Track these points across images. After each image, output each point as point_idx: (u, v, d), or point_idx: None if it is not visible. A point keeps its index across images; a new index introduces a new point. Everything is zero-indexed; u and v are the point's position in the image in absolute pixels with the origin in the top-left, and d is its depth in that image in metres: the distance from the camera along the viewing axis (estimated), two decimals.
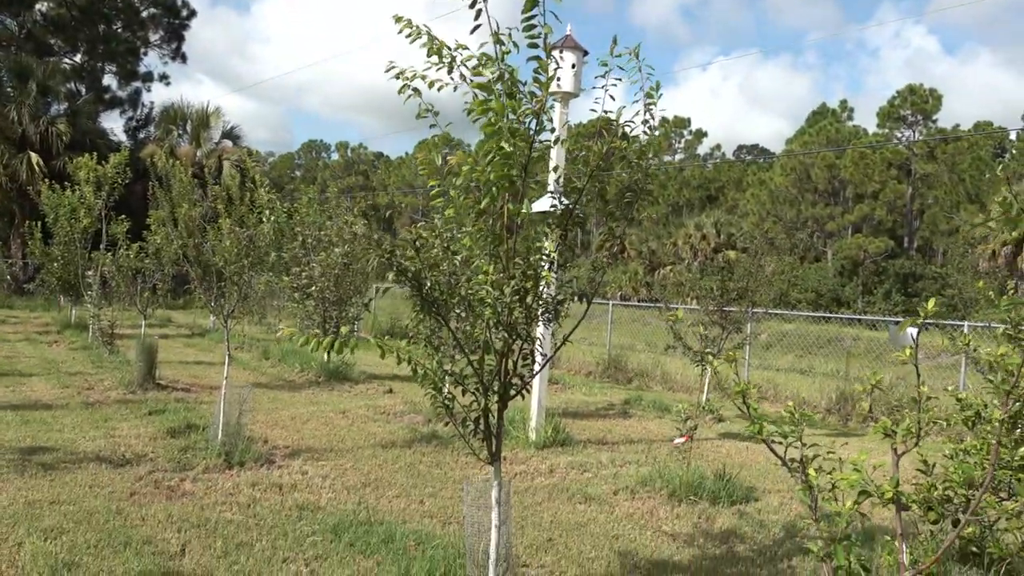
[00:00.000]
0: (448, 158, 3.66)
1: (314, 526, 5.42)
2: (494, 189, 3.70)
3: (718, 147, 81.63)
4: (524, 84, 3.51)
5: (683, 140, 75.48)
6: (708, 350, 8.18)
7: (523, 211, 3.66)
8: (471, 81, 3.67)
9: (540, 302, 3.81)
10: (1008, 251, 39.97)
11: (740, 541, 5.74)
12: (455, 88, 3.61)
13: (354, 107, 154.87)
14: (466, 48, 3.47)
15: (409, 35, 3.57)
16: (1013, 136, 57.12)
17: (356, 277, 13.98)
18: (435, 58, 3.52)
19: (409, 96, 3.76)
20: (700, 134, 76.23)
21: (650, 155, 4.01)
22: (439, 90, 3.65)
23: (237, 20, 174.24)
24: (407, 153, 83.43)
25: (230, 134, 37.44)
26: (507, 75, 3.46)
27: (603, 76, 3.72)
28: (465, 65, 3.53)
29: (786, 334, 22.84)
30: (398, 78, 3.68)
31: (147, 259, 13.90)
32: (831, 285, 48.37)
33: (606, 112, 3.80)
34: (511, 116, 3.59)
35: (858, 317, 25.99)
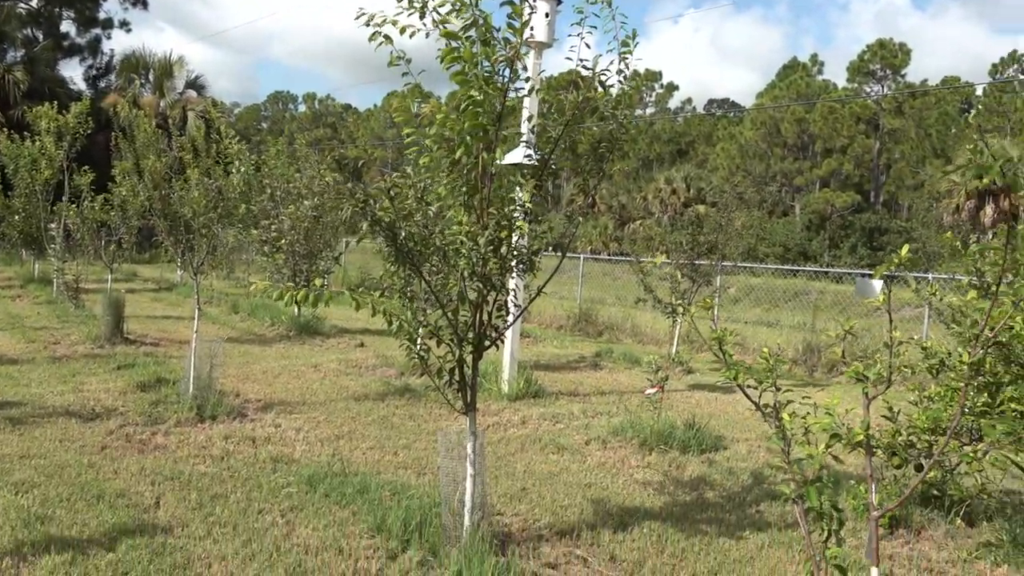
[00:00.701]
0: (422, 107, 3.60)
1: (288, 478, 5.43)
2: (468, 139, 3.67)
3: (689, 101, 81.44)
4: (499, 31, 3.45)
5: (654, 94, 75.12)
6: (679, 302, 8.24)
7: (497, 161, 3.62)
8: (443, 28, 3.61)
9: (514, 253, 3.81)
10: (971, 205, 40.53)
11: (710, 488, 5.86)
12: (427, 35, 3.55)
13: (322, 57, 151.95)
14: None
15: None
16: (980, 91, 57.59)
17: (326, 230, 13.84)
18: (405, 2, 3.45)
19: (380, 44, 3.69)
20: (671, 88, 75.95)
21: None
22: (411, 37, 3.59)
23: None
24: (376, 105, 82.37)
25: (194, 84, 36.64)
26: (481, 21, 3.40)
27: (578, 24, 3.67)
28: (437, 11, 3.47)
29: (754, 288, 23.09)
30: (368, 24, 3.60)
31: (112, 212, 13.64)
32: (798, 239, 48.87)
33: (581, 61, 3.76)
34: (485, 64, 3.54)
35: (824, 270, 26.28)
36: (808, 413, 2.85)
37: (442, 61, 3.51)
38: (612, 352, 13.08)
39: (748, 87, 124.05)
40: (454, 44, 3.49)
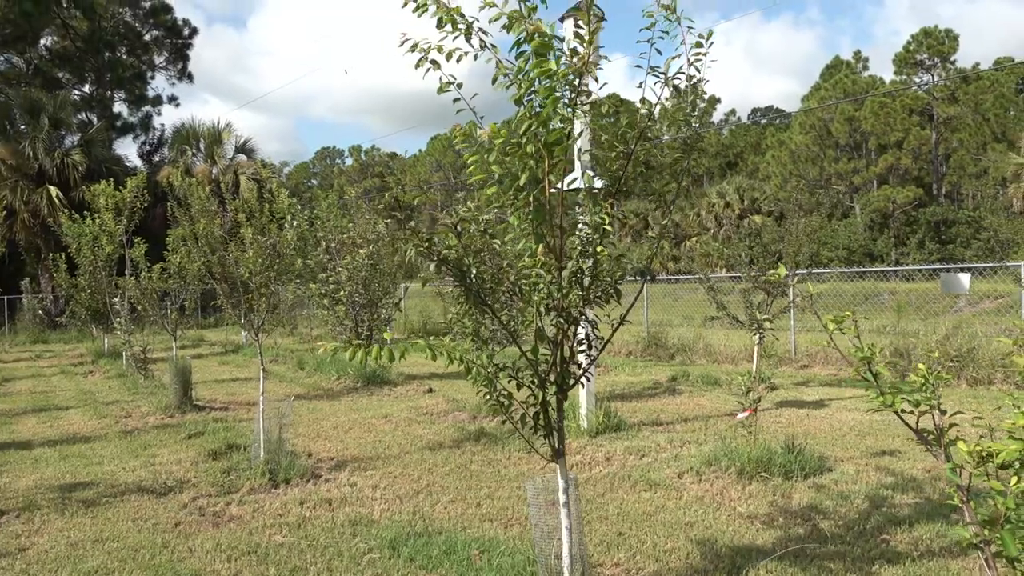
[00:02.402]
0: (480, 133, 3.30)
1: (370, 542, 5.11)
2: (532, 163, 3.35)
3: (732, 112, 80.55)
4: (562, 41, 3.13)
5: (697, 108, 74.42)
6: (766, 317, 7.76)
7: (570, 184, 3.29)
8: (493, 48, 3.31)
9: (598, 282, 3.45)
10: None
11: (823, 517, 5.36)
12: (475, 56, 3.25)
13: (361, 110, 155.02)
14: (494, 4, 3.09)
15: (416, 8, 3.20)
16: None
17: (384, 278, 13.69)
18: (449, 27, 3.16)
19: (428, 71, 3.41)
20: (713, 101, 75.22)
21: (700, 110, 3.64)
22: (458, 61, 3.29)
23: (235, 37, 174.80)
24: (420, 150, 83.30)
25: (243, 148, 37.34)
26: (536, 34, 3.09)
27: (648, 28, 3.34)
28: (484, 31, 3.17)
29: (821, 294, 22.28)
30: (413, 50, 3.32)
31: (170, 279, 13.71)
32: (862, 240, 47.47)
33: (653, 69, 3.42)
34: (544, 81, 3.23)
35: (893, 269, 25.28)
36: (982, 436, 2.41)
37: (494, 82, 3.21)
38: (688, 375, 12.57)
39: (789, 92, 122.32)
40: (505, 62, 3.19)
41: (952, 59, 52.43)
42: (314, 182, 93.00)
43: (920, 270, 24.83)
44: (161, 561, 4.89)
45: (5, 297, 28.06)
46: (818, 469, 6.45)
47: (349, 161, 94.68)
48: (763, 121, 76.66)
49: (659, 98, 3.55)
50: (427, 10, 3.30)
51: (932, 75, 53.02)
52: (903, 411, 2.35)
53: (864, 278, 25.38)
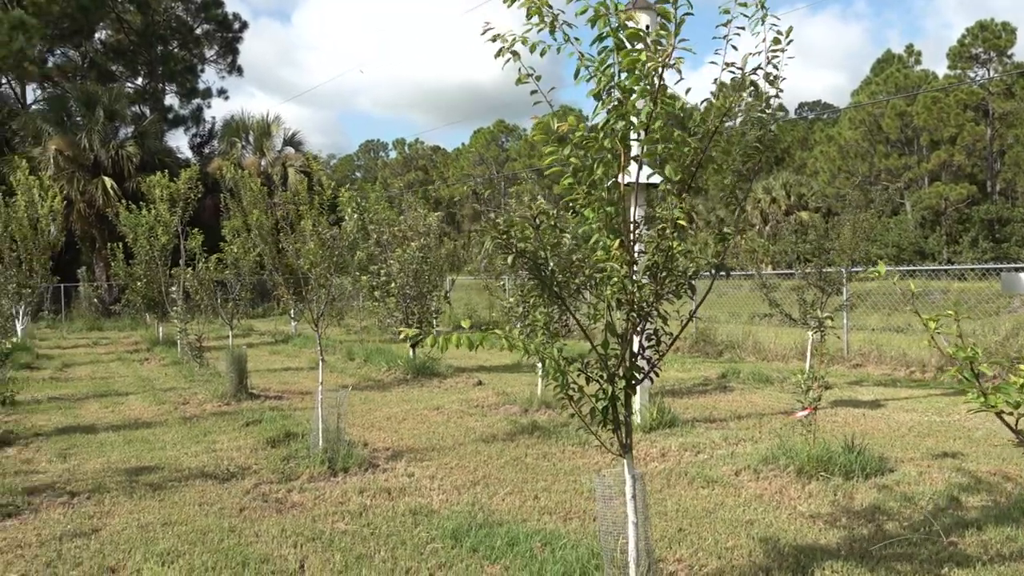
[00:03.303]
0: (559, 126, 3.31)
1: (432, 531, 5.17)
2: (609, 156, 3.36)
3: (780, 107, 79.28)
4: (647, 32, 3.14)
5: (743, 103, 73.44)
6: (827, 315, 7.65)
7: (648, 178, 3.29)
8: (575, 41, 3.32)
9: (671, 277, 3.45)
10: None
11: (888, 518, 5.29)
12: (558, 49, 3.27)
13: (404, 104, 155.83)
14: None
15: None
16: None
17: (433, 270, 13.79)
18: (536, 18, 3.18)
19: (507, 61, 3.44)
20: (769, 98, 74.05)
21: (774, 107, 3.62)
22: (542, 54, 3.31)
23: (280, 30, 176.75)
24: (463, 144, 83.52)
25: (292, 141, 37.81)
26: (620, 27, 3.09)
27: (725, 25, 3.32)
28: (568, 24, 3.19)
29: (869, 292, 21.90)
30: (494, 40, 3.35)
31: (226, 270, 13.97)
32: (912, 238, 46.53)
33: (727, 66, 3.40)
34: (623, 76, 3.24)
35: (946, 268, 24.74)
36: None
37: (576, 75, 3.22)
38: (738, 372, 12.47)
39: (836, 86, 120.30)
40: (586, 54, 3.20)
41: (1009, 53, 51.01)
42: (358, 174, 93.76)
43: (973, 269, 24.27)
44: (230, 545, 5.00)
45: (62, 285, 28.78)
46: (879, 470, 6.36)
47: (393, 154, 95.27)
48: (811, 116, 75.46)
49: (733, 94, 3.53)
50: (516, 0, 3.33)
51: (988, 69, 51.67)
52: (1004, 412, 2.32)
53: (915, 276, 24.86)
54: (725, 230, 3.55)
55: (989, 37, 50.35)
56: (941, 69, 54.66)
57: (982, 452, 7.05)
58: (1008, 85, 50.06)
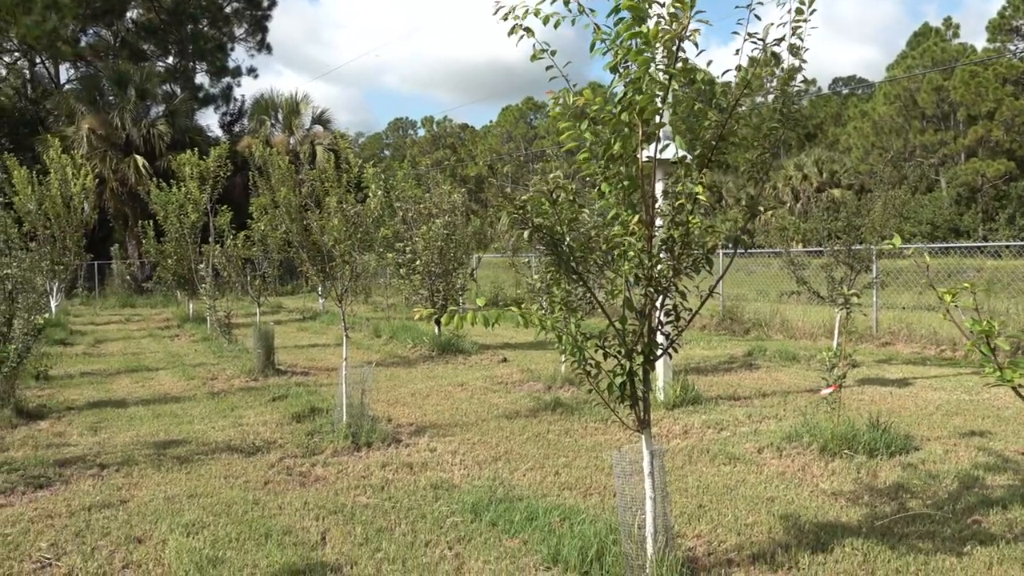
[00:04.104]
0: (575, 99, 3.28)
1: (452, 506, 5.21)
2: (626, 130, 3.32)
3: (812, 82, 77.93)
4: (663, 5, 3.09)
5: (775, 79, 72.33)
6: (854, 292, 7.56)
7: (663, 153, 3.26)
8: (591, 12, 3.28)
9: (688, 252, 3.42)
10: None
11: (911, 496, 5.24)
12: (573, 21, 3.24)
13: (432, 81, 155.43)
14: None
15: None
16: None
17: (458, 248, 13.80)
18: None
19: (521, 38, 3.41)
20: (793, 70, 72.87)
21: (798, 79, 3.56)
22: (556, 27, 3.28)
23: (309, 9, 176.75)
24: (491, 121, 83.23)
25: (320, 119, 37.94)
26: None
27: None
28: None
29: (901, 271, 21.58)
30: (506, 18, 3.32)
31: (254, 247, 14.09)
32: (947, 215, 45.73)
33: (750, 36, 3.34)
34: (637, 44, 3.20)
35: (981, 245, 24.26)
36: None
37: (592, 49, 3.19)
38: (765, 350, 12.37)
39: (871, 61, 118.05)
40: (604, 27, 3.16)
41: None
42: (387, 152, 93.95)
43: (1009, 246, 23.84)
44: (253, 517, 5.08)
45: (96, 263, 29.25)
46: (904, 448, 6.30)
47: (421, 132, 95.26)
48: (844, 91, 74.18)
49: (754, 66, 3.48)
50: None
51: None
52: (1021, 387, 2.28)
53: (949, 254, 24.45)
54: (744, 203, 3.50)
55: None
56: (980, 42, 53.52)
57: (1011, 431, 6.95)
58: None
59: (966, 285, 2.33)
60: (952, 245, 26.74)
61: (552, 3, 3.26)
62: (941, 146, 50.52)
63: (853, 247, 10.41)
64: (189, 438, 7.30)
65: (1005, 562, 4.14)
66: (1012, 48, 50.64)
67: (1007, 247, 23.75)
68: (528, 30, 3.42)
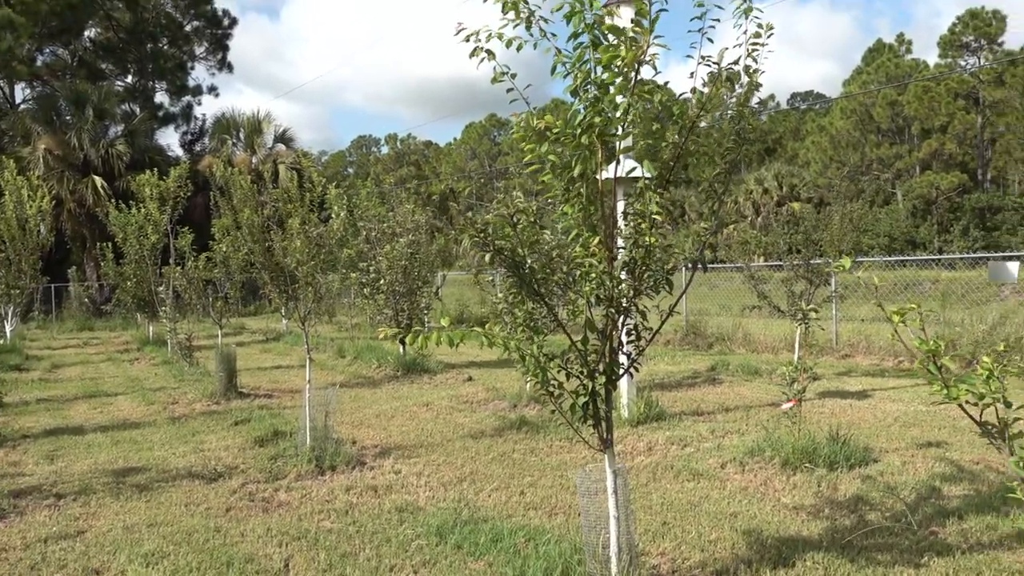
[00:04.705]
0: (537, 123, 3.31)
1: (417, 529, 5.18)
2: (587, 153, 3.36)
3: (771, 97, 79.32)
4: (621, 30, 3.14)
5: (734, 95, 73.44)
6: (812, 307, 7.68)
7: (628, 174, 3.30)
8: (551, 36, 3.32)
9: (649, 273, 3.46)
10: None
11: (870, 508, 5.32)
12: (535, 45, 3.28)
13: (396, 99, 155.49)
14: None
15: None
16: None
17: (423, 266, 13.76)
18: (512, 14, 3.18)
19: (482, 60, 3.44)
20: (749, 91, 74.05)
21: (753, 101, 3.64)
22: (518, 50, 3.31)
23: (269, 26, 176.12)
24: (455, 139, 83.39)
25: (282, 138, 37.73)
26: (598, 23, 3.10)
27: (699, 18, 3.33)
28: (544, 19, 3.19)
29: (860, 283, 21.93)
30: (468, 40, 3.35)
31: (215, 269, 13.94)
32: (904, 227, 46.62)
33: (704, 59, 3.41)
34: (599, 71, 3.25)
35: (937, 258, 24.83)
36: None
37: (553, 71, 3.23)
38: (728, 364, 12.50)
39: (827, 77, 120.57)
40: (568, 51, 3.20)
41: (999, 41, 51.12)
42: (350, 170, 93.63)
43: (963, 258, 24.50)
44: (215, 545, 5.01)
45: (52, 285, 28.69)
46: (863, 460, 6.40)
47: (385, 149, 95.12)
48: (803, 106, 75.51)
49: (711, 88, 3.54)
50: None
51: (978, 58, 51.78)
52: (967, 403, 2.34)
53: (905, 266, 24.95)
54: (703, 225, 3.55)
55: (980, 25, 50.44)
56: (932, 58, 54.76)
57: (966, 441, 7.09)
58: (999, 73, 50.14)
59: (913, 306, 2.38)
60: (909, 258, 27.27)
61: (514, 27, 3.30)
62: (896, 159, 51.60)
63: (812, 261, 10.57)
64: (149, 465, 7.18)
65: (961, 572, 4.22)
66: (963, 64, 52.01)
67: (961, 259, 24.37)
68: (490, 52, 3.45)
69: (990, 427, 2.35)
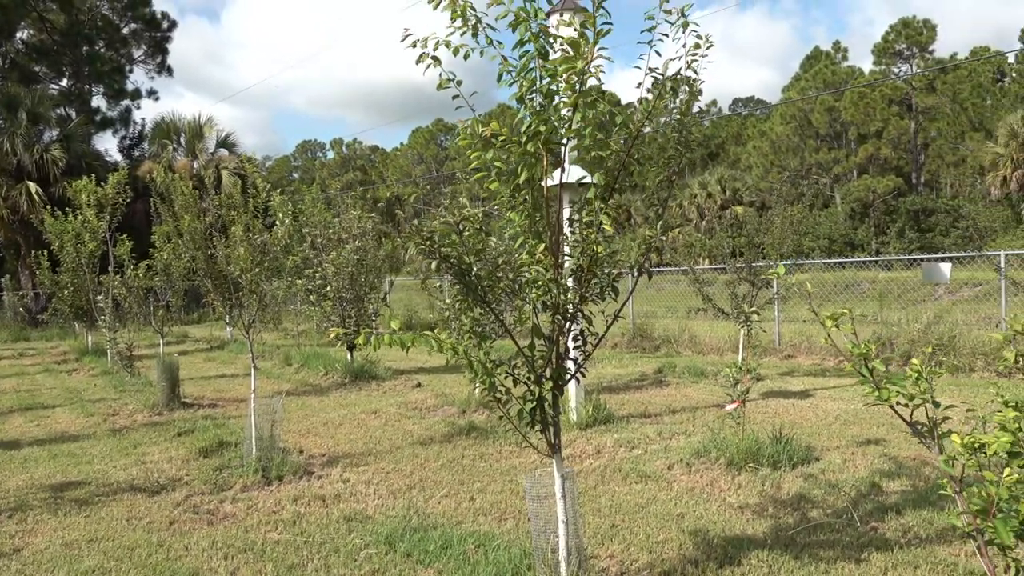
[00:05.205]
0: (483, 130, 3.33)
1: (366, 538, 5.14)
2: (532, 160, 3.39)
3: (714, 103, 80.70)
4: (567, 40, 3.17)
5: (678, 100, 74.49)
6: (753, 309, 7.84)
7: (578, 182, 3.34)
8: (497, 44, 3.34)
9: (596, 280, 3.50)
10: (1020, 175, 39.28)
11: (812, 506, 5.45)
12: (481, 53, 3.29)
13: (341, 103, 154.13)
14: (502, 2, 3.13)
15: (430, 0, 3.23)
16: (1012, 59, 56.25)
17: (370, 273, 13.67)
18: (459, 22, 3.19)
19: (428, 67, 3.44)
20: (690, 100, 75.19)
21: (695, 110, 3.70)
22: (466, 58, 3.32)
23: (210, 30, 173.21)
24: (401, 143, 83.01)
25: (225, 143, 37.11)
26: (543, 32, 3.13)
27: (649, 31, 3.38)
28: (491, 27, 3.21)
29: (801, 284, 22.40)
30: (415, 47, 3.35)
31: (156, 277, 13.64)
32: (843, 230, 47.83)
33: (651, 71, 3.46)
34: (546, 80, 3.28)
35: (874, 259, 25.53)
36: (974, 428, 2.48)
37: (500, 79, 3.25)
38: (674, 366, 12.67)
39: (767, 83, 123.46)
40: (515, 60, 3.22)
41: (930, 49, 52.88)
42: (295, 175, 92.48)
43: (899, 260, 25.26)
44: (158, 560, 4.90)
45: None
46: (806, 459, 6.54)
47: (331, 154, 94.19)
48: (744, 112, 76.99)
49: (654, 98, 3.60)
50: (442, 1, 3.33)
51: (911, 65, 53.43)
52: (897, 404, 2.42)
53: (844, 267, 25.62)
54: (648, 232, 3.60)
55: (912, 34, 52.09)
56: (867, 65, 56.43)
57: (903, 438, 7.30)
58: (930, 80, 51.86)
59: (845, 311, 2.46)
60: (848, 260, 27.98)
61: (461, 34, 3.31)
62: (835, 164, 52.97)
63: (754, 264, 10.78)
64: (89, 479, 6.99)
65: (899, 566, 4.35)
66: (896, 71, 53.60)
67: (897, 260, 25.12)
68: (436, 59, 3.45)
69: (920, 426, 2.44)
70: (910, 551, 4.53)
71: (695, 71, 3.58)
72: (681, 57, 3.53)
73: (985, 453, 2.31)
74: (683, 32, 3.44)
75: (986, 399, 8.68)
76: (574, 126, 3.47)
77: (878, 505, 5.37)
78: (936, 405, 2.39)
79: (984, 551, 2.34)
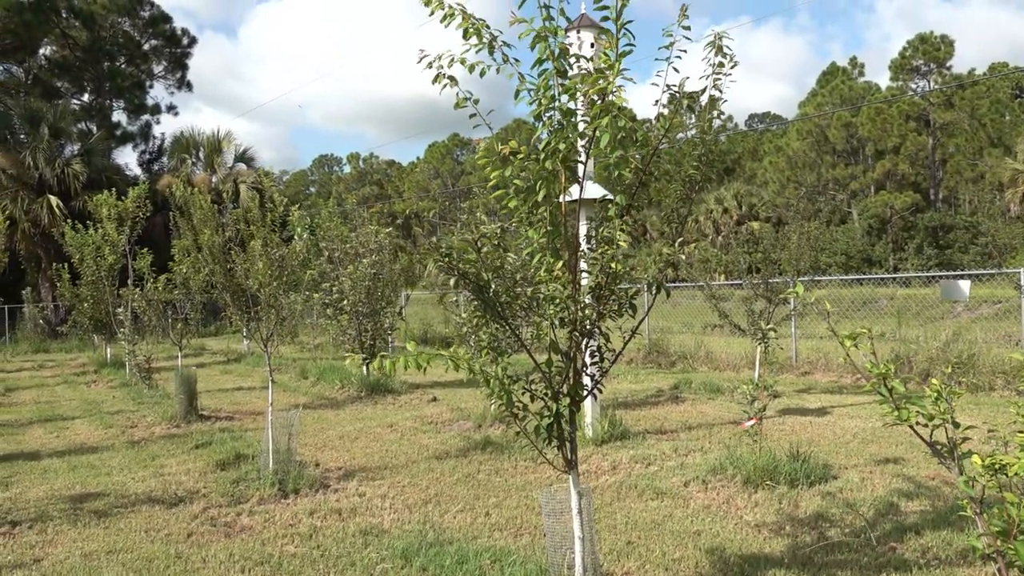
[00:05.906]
0: (501, 148, 3.36)
1: (382, 552, 5.16)
2: (550, 177, 3.41)
3: (730, 119, 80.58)
4: (589, 60, 3.21)
5: (694, 116, 74.51)
6: (770, 326, 7.81)
7: (587, 198, 3.36)
8: (515, 62, 3.37)
9: (614, 297, 3.52)
10: None
11: (830, 525, 5.41)
12: (497, 70, 3.33)
13: (358, 118, 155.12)
14: (524, 20, 3.17)
15: (443, 19, 3.27)
16: None
17: (386, 286, 13.74)
18: (474, 39, 3.23)
19: (444, 87, 3.48)
20: (710, 118, 75.24)
21: (715, 128, 3.73)
22: (482, 75, 3.36)
23: (227, 45, 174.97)
24: (418, 157, 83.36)
25: (243, 157, 37.40)
26: (563, 52, 3.16)
27: (667, 47, 3.41)
28: (508, 44, 3.24)
29: (818, 300, 22.27)
30: (430, 66, 3.39)
31: (175, 290, 13.77)
32: (860, 246, 47.56)
33: (669, 87, 3.49)
34: (564, 99, 3.31)
35: (892, 276, 25.36)
36: (994, 448, 2.47)
37: (517, 96, 3.28)
38: (691, 383, 12.62)
39: (783, 98, 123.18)
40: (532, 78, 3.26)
41: (948, 64, 52.63)
42: (312, 190, 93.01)
43: (918, 277, 25.02)
44: (176, 572, 4.93)
45: (6, 307, 28.07)
46: (823, 477, 6.50)
47: (347, 169, 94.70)
48: (760, 127, 76.91)
49: (670, 114, 3.62)
50: (454, 20, 3.37)
51: (928, 81, 53.21)
52: (917, 424, 2.42)
53: (862, 284, 25.44)
54: (666, 250, 3.61)
55: (929, 49, 51.88)
56: (884, 80, 56.16)
57: (922, 457, 7.24)
58: (948, 96, 51.59)
59: (864, 330, 2.46)
60: (866, 276, 27.81)
61: (477, 52, 3.34)
62: (852, 180, 52.70)
63: (771, 280, 10.75)
64: (107, 490, 7.05)
65: None
66: (913, 86, 53.41)
67: (916, 277, 24.92)
68: (452, 79, 3.49)
69: (940, 447, 2.43)
70: (929, 572, 4.49)
71: (720, 90, 3.60)
72: (707, 76, 3.55)
73: (1006, 474, 2.30)
74: (713, 54, 3.46)
75: (1007, 419, 8.61)
76: (601, 145, 3.49)
77: (896, 525, 5.33)
78: (956, 425, 2.38)
79: (1004, 573, 2.32)
